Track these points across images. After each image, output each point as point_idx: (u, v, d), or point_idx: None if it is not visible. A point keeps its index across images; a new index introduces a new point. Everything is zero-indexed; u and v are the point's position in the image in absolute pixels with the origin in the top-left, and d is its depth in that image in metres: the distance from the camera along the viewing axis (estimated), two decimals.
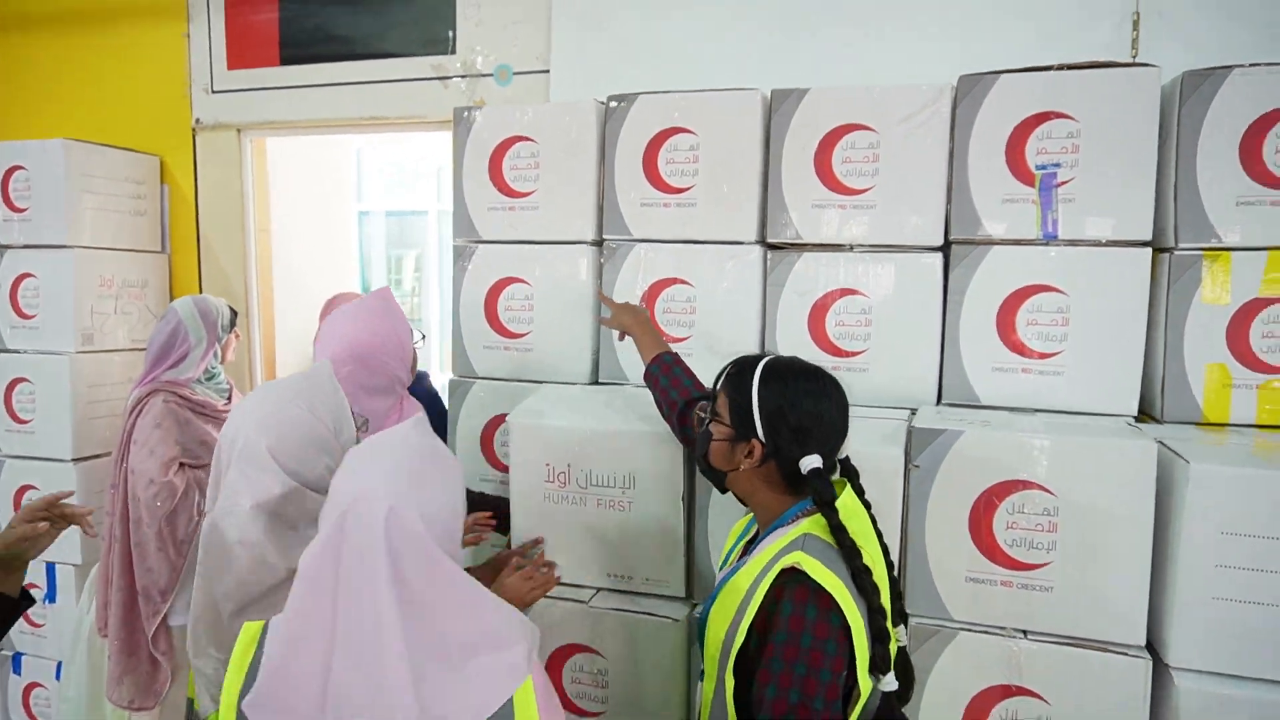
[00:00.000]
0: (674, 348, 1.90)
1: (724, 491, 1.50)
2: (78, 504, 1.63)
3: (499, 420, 2.23)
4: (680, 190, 2.08)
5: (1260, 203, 1.74)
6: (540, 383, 2.19)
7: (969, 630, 1.67)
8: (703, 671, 1.38)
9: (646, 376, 1.78)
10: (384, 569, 1.00)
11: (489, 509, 2.00)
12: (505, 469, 2.20)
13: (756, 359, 1.39)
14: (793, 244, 2.01)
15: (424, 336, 2.27)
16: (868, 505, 1.38)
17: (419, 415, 1.27)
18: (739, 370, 1.40)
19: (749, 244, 2.04)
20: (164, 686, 2.41)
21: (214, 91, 3.08)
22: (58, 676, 2.94)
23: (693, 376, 1.73)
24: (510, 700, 1.03)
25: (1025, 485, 1.63)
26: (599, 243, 2.20)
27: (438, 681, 1.01)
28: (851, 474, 1.41)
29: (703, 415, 1.45)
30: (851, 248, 1.97)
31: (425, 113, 2.85)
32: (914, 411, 1.87)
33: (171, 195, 3.18)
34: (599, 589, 1.90)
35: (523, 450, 1.90)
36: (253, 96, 3.02)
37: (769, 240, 2.04)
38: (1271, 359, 1.75)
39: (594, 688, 1.85)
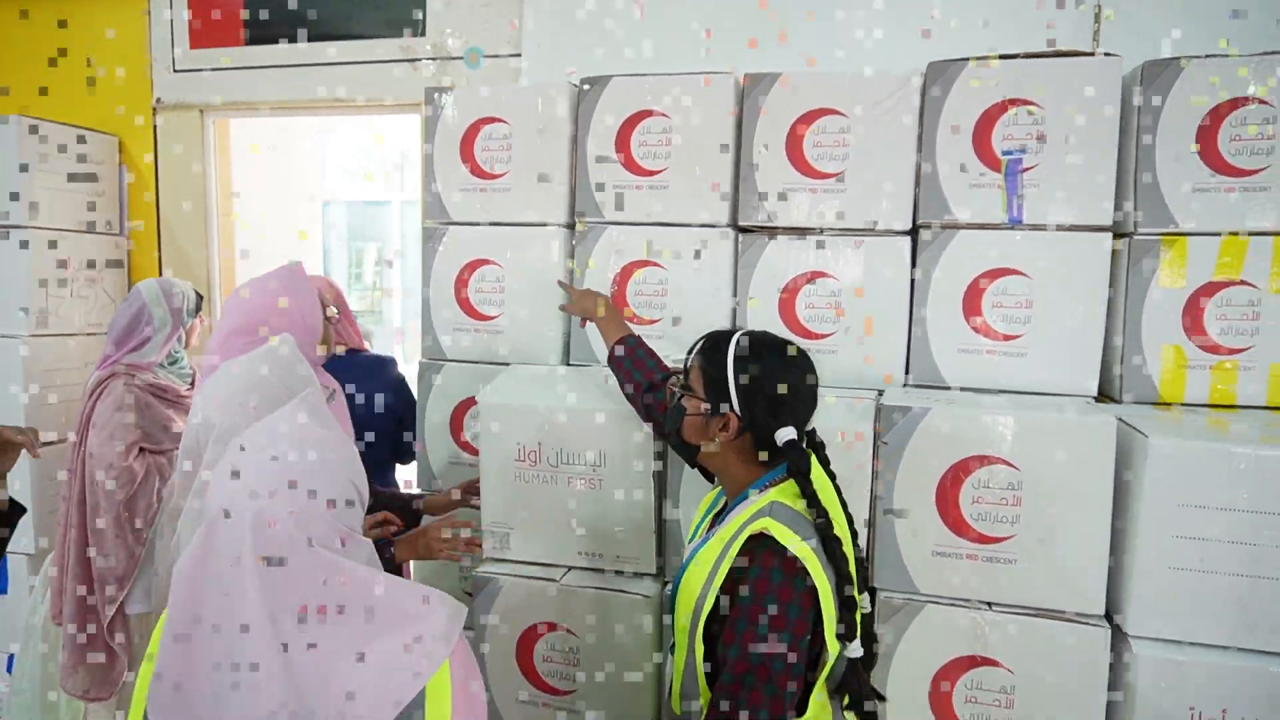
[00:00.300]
0: (646, 330, 1.90)
1: (694, 466, 1.51)
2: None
3: (469, 403, 2.22)
4: (653, 173, 2.09)
5: (1215, 190, 1.79)
6: (511, 365, 2.18)
7: (936, 603, 1.70)
8: (674, 644, 1.39)
9: (610, 360, 1.79)
10: (252, 573, 0.97)
11: (395, 508, 2.01)
12: (475, 452, 2.19)
13: (730, 333, 1.41)
14: (764, 227, 2.04)
15: (338, 312, 2.24)
16: (832, 476, 1.41)
17: (309, 392, 1.24)
18: (713, 344, 1.41)
19: (721, 227, 2.06)
20: (120, 676, 2.36)
21: (176, 70, 3.02)
22: (9, 669, 2.86)
23: (656, 358, 1.75)
24: (423, 689, 0.99)
25: (990, 460, 1.67)
26: (571, 225, 2.20)
27: (340, 674, 0.98)
28: (817, 446, 1.43)
29: (675, 390, 1.46)
30: (822, 231, 2.00)
31: (394, 96, 2.83)
32: (881, 392, 1.90)
33: (131, 176, 3.11)
34: (570, 568, 1.90)
35: (493, 429, 1.90)
36: (216, 77, 2.97)
37: (741, 223, 2.06)
38: (1224, 341, 1.81)
39: (566, 666, 1.86)
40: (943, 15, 2.35)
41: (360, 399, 2.32)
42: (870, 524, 1.75)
